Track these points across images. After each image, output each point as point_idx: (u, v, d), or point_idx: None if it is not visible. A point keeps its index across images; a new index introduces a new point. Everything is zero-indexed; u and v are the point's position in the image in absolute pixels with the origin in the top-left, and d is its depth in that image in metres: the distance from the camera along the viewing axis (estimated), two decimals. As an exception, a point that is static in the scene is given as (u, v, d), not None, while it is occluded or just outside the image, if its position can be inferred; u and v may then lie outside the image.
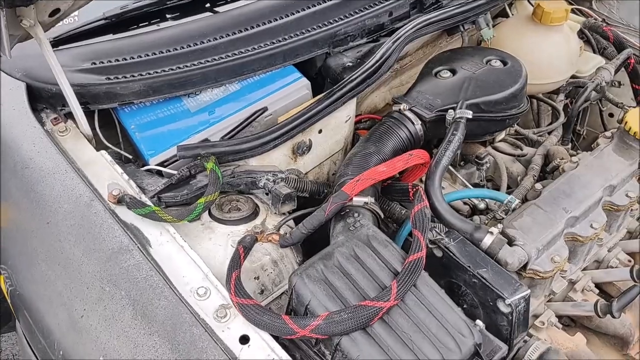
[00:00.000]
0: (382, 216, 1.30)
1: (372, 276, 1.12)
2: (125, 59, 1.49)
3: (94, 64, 1.49)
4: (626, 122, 1.45)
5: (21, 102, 1.41)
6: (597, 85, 1.76)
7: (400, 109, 1.49)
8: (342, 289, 1.09)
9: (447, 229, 1.28)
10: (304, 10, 1.61)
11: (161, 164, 1.41)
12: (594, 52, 2.11)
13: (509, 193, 1.60)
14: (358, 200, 1.26)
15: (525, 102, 1.58)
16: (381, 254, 1.16)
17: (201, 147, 1.34)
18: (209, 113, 1.48)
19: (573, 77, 1.94)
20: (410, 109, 1.48)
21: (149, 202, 1.25)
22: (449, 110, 1.43)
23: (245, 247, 1.20)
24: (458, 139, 1.38)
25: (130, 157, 1.47)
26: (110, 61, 1.49)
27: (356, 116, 1.66)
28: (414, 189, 1.32)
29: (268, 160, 1.43)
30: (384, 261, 1.14)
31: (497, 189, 1.68)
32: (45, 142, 1.34)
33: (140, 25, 1.63)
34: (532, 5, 1.95)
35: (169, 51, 1.51)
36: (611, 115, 2.08)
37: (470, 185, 1.58)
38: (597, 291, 1.44)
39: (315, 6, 1.62)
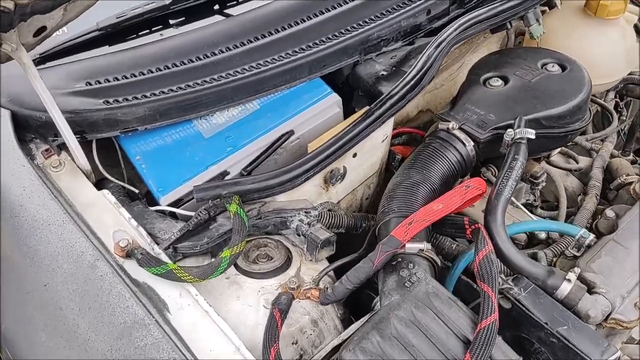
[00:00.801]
0: (440, 263, 1.10)
1: (439, 346, 0.93)
2: (126, 77, 1.27)
3: (89, 84, 1.28)
4: None
5: (6, 134, 1.20)
6: (667, 87, 1.56)
7: (448, 128, 1.28)
8: (403, 366, 0.90)
9: (515, 275, 1.09)
10: (330, 10, 1.39)
11: (174, 204, 1.21)
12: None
13: (568, 214, 1.42)
14: (411, 247, 1.06)
15: (589, 113, 1.37)
16: (446, 316, 0.97)
17: (222, 187, 1.13)
18: (225, 139, 1.27)
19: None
20: (460, 128, 1.28)
21: (164, 258, 1.06)
22: (508, 130, 1.23)
23: (281, 311, 1.01)
24: (521, 164, 1.18)
25: (136, 190, 1.27)
26: (107, 80, 1.28)
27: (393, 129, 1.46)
28: (472, 226, 1.13)
29: (297, 194, 1.23)
30: (450, 325, 0.96)
31: (552, 208, 1.49)
32: (37, 184, 1.14)
33: (140, 34, 1.41)
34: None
35: (176, 65, 1.30)
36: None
37: (532, 216, 1.37)
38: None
39: (342, 5, 1.40)
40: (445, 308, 0.98)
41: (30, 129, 1.24)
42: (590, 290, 1.08)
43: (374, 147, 1.35)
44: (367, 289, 1.15)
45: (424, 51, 1.34)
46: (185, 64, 1.30)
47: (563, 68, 1.39)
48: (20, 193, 1.13)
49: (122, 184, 1.27)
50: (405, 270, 1.04)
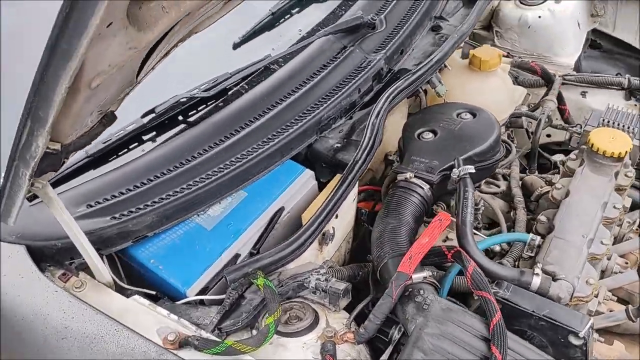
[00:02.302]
0: (439, 286, 1.34)
1: (469, 347, 1.15)
2: (129, 190, 1.40)
3: (90, 206, 1.38)
4: (592, 144, 1.65)
5: (27, 267, 1.27)
6: (547, 115, 1.98)
7: (406, 178, 1.56)
8: (451, 370, 1.11)
9: (494, 281, 1.35)
10: (281, 102, 1.63)
11: (200, 293, 1.33)
12: (514, 84, 2.36)
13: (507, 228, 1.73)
14: (417, 276, 1.29)
15: (502, 146, 1.73)
16: (464, 323, 1.20)
17: (247, 265, 1.29)
18: (227, 227, 1.44)
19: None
20: (415, 176, 1.56)
21: (216, 338, 1.18)
22: (453, 170, 1.53)
23: (332, 355, 1.18)
24: (471, 194, 1.48)
25: (155, 293, 1.37)
26: (106, 199, 1.40)
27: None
28: (451, 251, 1.38)
29: (301, 260, 1.42)
30: (470, 330, 1.19)
31: (489, 227, 1.81)
32: (76, 304, 1.21)
33: (120, 154, 1.55)
34: (462, 58, 2.15)
35: (168, 172, 1.45)
36: (548, 135, 2.33)
37: (483, 236, 1.66)
38: (616, 298, 1.59)
39: (290, 96, 1.65)
40: (461, 317, 1.21)
41: (46, 258, 1.31)
42: (554, 278, 1.37)
43: (348, 207, 1.58)
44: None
45: (368, 122, 1.63)
46: (177, 168, 1.45)
47: (473, 115, 1.75)
48: (62, 316, 1.20)
49: (139, 289, 1.36)
50: (419, 297, 1.26)
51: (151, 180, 1.43)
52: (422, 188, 1.55)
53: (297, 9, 2.03)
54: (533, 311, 1.28)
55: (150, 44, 0.89)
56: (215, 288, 1.35)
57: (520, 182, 1.88)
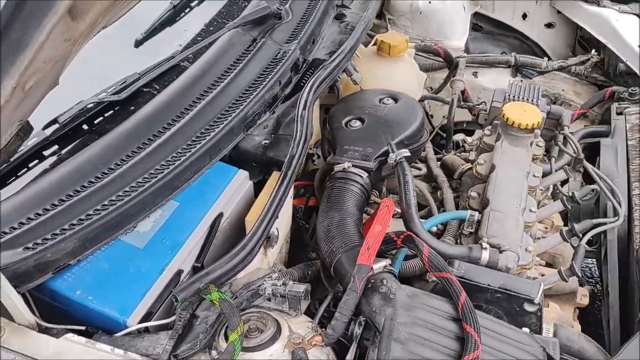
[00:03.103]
0: (397, 273, 1.31)
1: (442, 330, 1.14)
2: (39, 215, 1.19)
3: (-6, 237, 1.17)
4: (507, 118, 1.72)
5: None
6: (459, 96, 2.04)
7: (344, 169, 1.51)
8: (431, 356, 1.08)
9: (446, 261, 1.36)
10: (201, 99, 1.50)
11: (143, 320, 1.18)
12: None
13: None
14: (378, 267, 1.25)
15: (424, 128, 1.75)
16: (432, 306, 1.18)
17: (197, 280, 1.17)
18: (162, 242, 1.29)
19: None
20: (353, 165, 1.52)
21: (176, 368, 1.05)
22: (390, 155, 1.52)
23: (306, 363, 1.10)
24: (411, 177, 1.48)
25: (85, 328, 1.19)
26: (14, 227, 1.18)
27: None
28: (401, 236, 1.37)
29: (249, 267, 1.32)
30: (439, 313, 1.17)
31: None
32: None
33: (20, 174, 1.33)
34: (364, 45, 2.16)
35: (84, 189, 1.26)
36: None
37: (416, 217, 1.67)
38: (544, 263, 1.68)
39: (207, 94, 1.52)
40: (428, 301, 1.19)
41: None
42: (500, 250, 1.41)
43: (287, 205, 1.50)
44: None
45: (296, 114, 1.55)
46: (93, 183, 1.27)
47: (395, 100, 1.75)
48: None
49: (67, 327, 1.18)
50: (383, 287, 1.22)
51: (65, 200, 1.23)
52: (361, 176, 1.51)
53: (196, 2, 1.90)
54: (489, 285, 1.30)
55: (82, 35, 0.75)
56: (159, 312, 1.21)
57: (439, 162, 1.92)
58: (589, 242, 1.83)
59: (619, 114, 2.17)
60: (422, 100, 2.21)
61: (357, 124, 1.66)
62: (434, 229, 1.63)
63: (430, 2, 2.50)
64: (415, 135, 1.64)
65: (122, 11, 1.17)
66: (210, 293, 1.16)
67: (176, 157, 1.39)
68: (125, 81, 1.47)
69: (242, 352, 1.14)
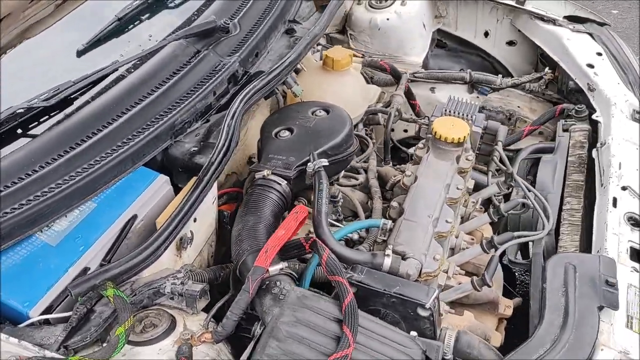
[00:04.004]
0: (297, 276, 1.37)
1: (322, 331, 1.19)
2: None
3: None
4: (435, 132, 1.78)
5: None
6: (397, 109, 2.10)
7: (263, 176, 1.58)
8: (305, 354, 1.13)
9: (350, 266, 1.41)
10: (132, 108, 1.58)
11: (46, 312, 1.25)
12: (367, 83, 2.49)
13: (367, 217, 1.82)
14: (274, 269, 1.31)
15: (355, 139, 1.81)
16: (318, 308, 1.23)
17: (94, 277, 1.24)
18: (75, 240, 1.36)
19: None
20: (272, 173, 1.59)
21: (60, 356, 1.12)
22: (308, 164, 1.58)
23: (187, 357, 1.16)
24: (326, 185, 1.54)
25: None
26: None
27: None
28: (309, 241, 1.42)
29: (157, 267, 1.38)
30: (324, 314, 1.23)
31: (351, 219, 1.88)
32: None
33: None
34: (316, 60, 2.24)
35: (6, 188, 1.34)
36: (405, 131, 2.48)
37: (337, 223, 1.74)
38: (464, 272, 1.72)
39: (141, 102, 1.60)
40: (316, 303, 1.25)
41: None
42: (404, 257, 1.45)
43: (208, 209, 1.57)
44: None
45: (223, 124, 1.63)
46: (15, 184, 1.35)
47: (327, 112, 1.81)
48: None
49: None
50: (275, 288, 1.28)
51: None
52: (280, 184, 1.57)
53: (147, 15, 1.99)
54: (384, 290, 1.35)
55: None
56: (62, 306, 1.28)
57: (377, 173, 1.98)
58: (523, 255, 1.88)
59: (565, 130, 2.21)
60: (372, 113, 2.27)
61: (286, 134, 1.73)
62: (356, 236, 1.69)
63: (388, 19, 2.57)
64: (341, 146, 1.70)
65: (40, 25, 1.25)
66: (107, 289, 1.22)
67: (99, 161, 1.47)
68: (58, 88, 1.56)
69: (133, 346, 1.21)
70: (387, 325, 1.26)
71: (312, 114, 1.80)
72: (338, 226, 1.70)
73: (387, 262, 1.41)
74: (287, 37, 2.16)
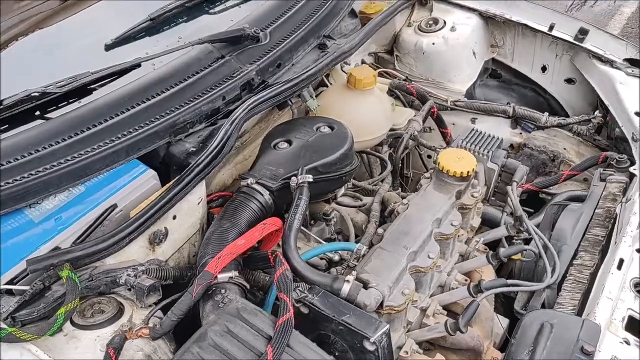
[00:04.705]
0: (248, 287, 1.37)
1: (248, 346, 1.18)
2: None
3: None
4: (439, 163, 1.71)
5: None
6: (411, 135, 2.03)
7: (247, 184, 1.59)
8: (220, 365, 1.13)
9: (309, 286, 1.39)
10: (141, 104, 1.66)
11: (10, 282, 1.34)
12: (405, 106, 2.44)
13: (357, 241, 1.78)
14: (223, 276, 1.32)
15: (356, 158, 1.78)
16: (253, 323, 1.22)
17: (53, 257, 1.31)
18: (55, 220, 1.45)
19: (392, 130, 2.23)
20: (257, 182, 1.60)
21: (2, 325, 1.19)
22: (292, 177, 1.57)
23: (115, 349, 1.19)
24: (304, 201, 1.52)
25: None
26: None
27: (208, 196, 1.74)
28: (273, 255, 1.42)
29: (125, 256, 1.44)
30: (257, 330, 1.21)
31: (348, 239, 1.85)
32: None
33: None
34: (345, 73, 2.22)
35: (7, 164, 1.44)
36: (429, 157, 2.40)
37: (322, 242, 1.71)
38: (446, 312, 1.63)
39: (151, 99, 1.68)
40: (252, 317, 1.24)
41: None
42: (366, 286, 1.41)
43: (192, 209, 1.61)
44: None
45: (221, 128, 1.67)
46: (17, 160, 1.45)
47: (332, 128, 1.80)
48: None
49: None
50: (218, 295, 1.28)
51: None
52: (262, 194, 1.58)
53: (183, 18, 2.07)
54: (333, 315, 1.31)
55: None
56: (27, 279, 1.36)
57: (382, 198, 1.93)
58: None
59: (602, 180, 2.04)
60: (397, 137, 2.22)
61: (284, 145, 1.73)
62: (337, 257, 1.65)
63: (433, 44, 2.50)
64: (334, 164, 1.68)
65: (55, 16, 1.35)
66: (63, 270, 1.29)
67: (95, 149, 1.55)
68: (75, 78, 1.66)
69: (76, 328, 1.26)
70: (322, 353, 1.22)
71: (316, 129, 1.79)
72: (321, 243, 1.68)
73: (346, 288, 1.37)
74: (318, 51, 2.17)
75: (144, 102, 1.67)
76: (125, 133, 1.60)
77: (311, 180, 1.57)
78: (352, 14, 2.51)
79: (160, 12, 1.97)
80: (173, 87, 1.74)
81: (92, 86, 1.71)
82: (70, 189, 1.52)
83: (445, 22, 2.56)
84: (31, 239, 1.41)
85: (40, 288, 1.29)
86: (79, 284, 1.28)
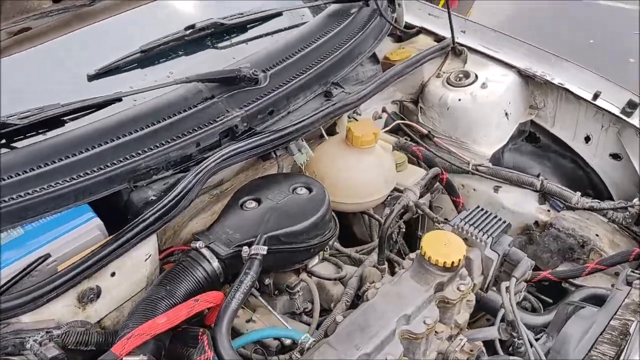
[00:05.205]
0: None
1: None
2: None
3: None
4: (421, 247, 1.48)
5: None
6: (403, 206, 1.81)
7: (196, 247, 1.44)
8: None
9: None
10: (103, 144, 1.55)
11: None
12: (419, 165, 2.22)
13: (321, 322, 1.57)
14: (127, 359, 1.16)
15: (331, 228, 1.59)
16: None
17: (-46, 310, 1.20)
18: (-16, 263, 1.35)
19: (397, 190, 2.02)
20: (207, 246, 1.44)
21: None
22: (244, 247, 1.40)
23: None
24: (250, 278, 1.35)
25: None
26: None
27: (166, 249, 1.60)
28: (203, 335, 1.25)
29: (47, 314, 1.31)
30: None
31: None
32: None
33: None
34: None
35: None
36: (446, 220, 2.16)
37: (280, 318, 1.52)
38: None
39: (115, 140, 1.56)
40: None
41: None
42: (296, 391, 1.21)
43: (137, 265, 1.47)
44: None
45: (182, 180, 1.52)
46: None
47: (310, 190, 1.61)
48: None
49: None
50: (119, 383, 1.13)
51: None
52: (209, 262, 1.42)
53: (180, 52, 1.96)
54: None
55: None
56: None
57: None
58: None
59: (628, 283, 1.73)
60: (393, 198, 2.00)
61: (252, 205, 1.57)
62: (288, 342, 1.46)
63: (459, 100, 2.27)
64: (300, 235, 1.49)
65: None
66: (-37, 326, 1.18)
67: (44, 189, 1.45)
68: (42, 109, 1.57)
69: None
70: None
71: (292, 189, 1.61)
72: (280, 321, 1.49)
73: (272, 391, 1.18)
74: (322, 100, 2.00)
75: (107, 143, 1.55)
76: (79, 175, 1.49)
77: (264, 252, 1.39)
78: (374, 59, 2.33)
79: (154, 44, 1.87)
80: (144, 129, 1.62)
81: (59, 120, 1.62)
82: (10, 231, 1.42)
83: (477, 77, 2.33)
84: (-49, 282, 1.31)
85: (-61, 344, 1.18)
86: (-24, 345, 1.16)
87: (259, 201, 1.57)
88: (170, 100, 1.74)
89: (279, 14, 2.25)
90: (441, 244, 1.48)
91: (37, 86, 1.74)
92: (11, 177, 1.43)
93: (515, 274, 1.59)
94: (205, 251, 1.43)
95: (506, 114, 2.33)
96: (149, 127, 1.62)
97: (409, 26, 2.63)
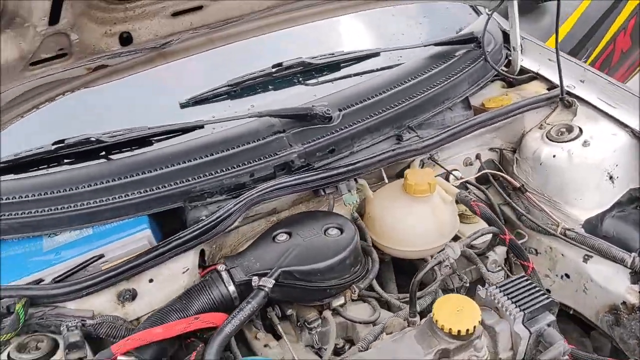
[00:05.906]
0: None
1: None
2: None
3: None
4: (434, 313, 1.42)
5: None
6: (439, 262, 1.73)
7: (217, 269, 1.57)
8: None
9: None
10: (164, 169, 1.75)
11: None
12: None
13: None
14: (122, 358, 1.33)
15: (355, 271, 1.60)
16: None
17: (14, 289, 1.49)
18: (55, 254, 1.65)
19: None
20: (227, 270, 1.56)
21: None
22: (254, 277, 1.50)
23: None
24: (251, 307, 1.44)
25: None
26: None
27: (210, 265, 1.76)
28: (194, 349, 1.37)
29: (89, 305, 1.55)
30: None
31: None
32: None
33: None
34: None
35: (32, 197, 1.68)
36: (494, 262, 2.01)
37: (291, 348, 1.57)
38: None
39: (175, 165, 1.77)
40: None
41: None
42: None
43: (173, 276, 1.64)
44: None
45: (225, 206, 1.67)
46: (39, 196, 1.69)
47: (341, 231, 1.65)
48: None
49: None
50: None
51: (20, 198, 1.69)
52: (225, 285, 1.53)
53: (268, 87, 2.13)
54: None
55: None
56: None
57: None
58: None
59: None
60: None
61: (282, 237, 1.65)
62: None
63: (554, 156, 2.08)
64: (314, 274, 1.54)
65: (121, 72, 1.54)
66: (18, 303, 1.46)
67: (109, 200, 1.71)
68: (131, 130, 1.85)
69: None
70: None
71: (324, 229, 1.66)
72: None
73: None
74: (392, 142, 2.01)
75: (166, 168, 1.75)
76: (136, 193, 1.72)
77: (271, 285, 1.47)
78: (466, 104, 2.26)
79: (241, 78, 2.06)
80: (207, 156, 1.80)
81: (146, 140, 1.88)
82: (82, 229, 1.71)
83: (581, 132, 2.11)
84: (30, 265, 1.62)
85: (5, 312, 1.48)
86: (21, 320, 1.43)
87: (290, 234, 1.65)
88: (242, 132, 1.91)
89: (375, 54, 2.32)
90: (453, 309, 1.41)
91: (134, 111, 2.04)
92: (90, 185, 1.72)
93: (542, 358, 1.43)
94: (224, 274, 1.55)
95: (611, 177, 2.07)
96: (212, 155, 1.81)
97: (524, 71, 2.48)
